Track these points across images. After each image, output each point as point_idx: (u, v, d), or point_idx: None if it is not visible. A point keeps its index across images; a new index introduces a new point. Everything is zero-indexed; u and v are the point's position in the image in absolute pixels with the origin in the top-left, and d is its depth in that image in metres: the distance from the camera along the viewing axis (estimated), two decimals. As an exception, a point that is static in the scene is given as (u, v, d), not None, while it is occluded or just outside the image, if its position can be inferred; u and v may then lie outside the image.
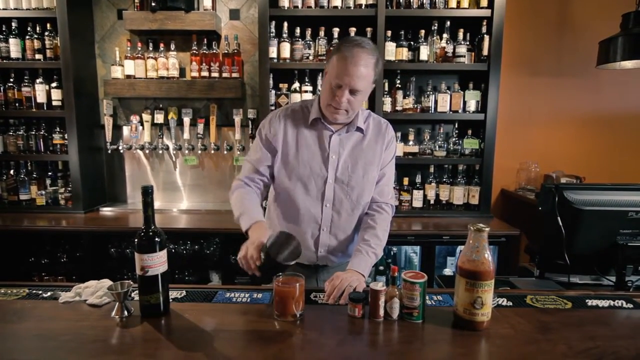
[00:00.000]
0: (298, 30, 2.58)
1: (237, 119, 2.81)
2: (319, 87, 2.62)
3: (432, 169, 2.72)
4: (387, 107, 2.63)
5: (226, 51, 2.74)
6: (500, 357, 0.96)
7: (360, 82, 1.29)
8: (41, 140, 2.72)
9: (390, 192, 1.54)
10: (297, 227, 1.46)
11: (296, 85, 2.64)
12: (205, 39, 2.77)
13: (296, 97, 2.62)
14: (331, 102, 1.34)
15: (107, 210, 2.83)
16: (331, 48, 2.57)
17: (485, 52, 2.55)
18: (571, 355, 0.95)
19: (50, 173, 2.80)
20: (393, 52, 2.57)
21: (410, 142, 2.70)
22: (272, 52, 2.57)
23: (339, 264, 1.53)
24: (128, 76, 2.73)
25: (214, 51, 2.75)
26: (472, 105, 2.64)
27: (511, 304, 1.23)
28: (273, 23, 2.58)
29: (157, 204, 2.80)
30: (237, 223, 1.37)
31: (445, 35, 2.58)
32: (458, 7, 2.54)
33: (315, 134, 1.44)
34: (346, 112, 1.35)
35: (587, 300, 1.26)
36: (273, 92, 2.63)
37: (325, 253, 1.48)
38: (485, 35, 2.54)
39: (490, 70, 2.53)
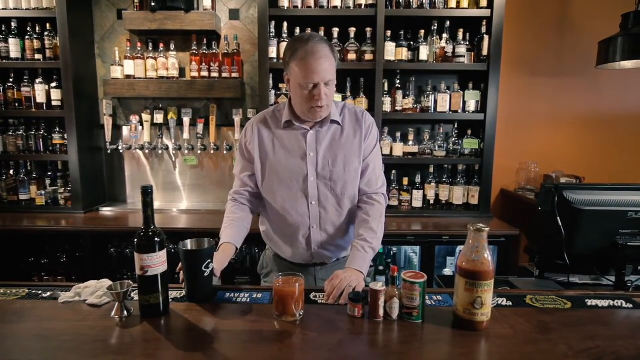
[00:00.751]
0: (298, 30, 2.58)
1: (237, 119, 2.81)
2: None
3: (431, 169, 2.73)
4: (387, 107, 2.63)
5: (226, 51, 2.74)
6: (500, 357, 0.96)
7: (328, 73, 1.30)
8: (41, 140, 2.72)
9: (380, 182, 1.49)
10: (287, 229, 1.47)
11: (296, 85, 2.64)
12: (205, 39, 2.76)
13: (296, 97, 2.62)
14: (312, 104, 1.32)
15: (106, 210, 2.83)
16: (338, 50, 2.54)
17: (485, 52, 2.55)
18: (571, 355, 0.95)
19: (50, 173, 2.80)
20: (393, 52, 2.57)
21: (410, 142, 2.70)
22: (272, 52, 2.57)
23: (336, 261, 1.53)
24: (128, 76, 2.73)
25: (214, 51, 2.75)
26: (471, 105, 2.64)
27: (511, 304, 1.23)
28: (273, 23, 2.58)
29: (156, 204, 2.80)
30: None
31: (445, 35, 2.58)
32: (458, 7, 2.54)
33: (290, 134, 1.44)
34: (327, 106, 1.36)
35: (586, 300, 1.26)
36: (273, 92, 2.64)
37: (319, 250, 1.48)
38: (485, 35, 2.54)
39: (490, 70, 2.53)
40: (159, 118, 2.82)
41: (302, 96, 1.33)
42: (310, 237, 1.46)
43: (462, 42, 2.57)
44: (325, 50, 1.29)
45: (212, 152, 2.90)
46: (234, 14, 2.85)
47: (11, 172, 2.74)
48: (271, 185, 1.44)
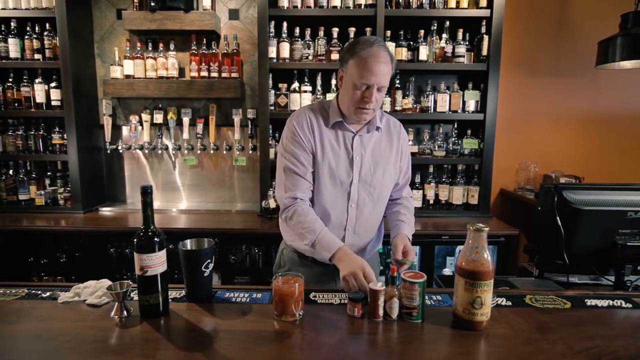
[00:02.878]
0: (297, 30, 2.58)
1: (237, 119, 2.81)
2: (319, 87, 2.62)
3: (431, 169, 2.73)
4: (387, 107, 2.63)
5: (225, 51, 2.74)
6: (500, 357, 0.96)
7: (385, 78, 1.32)
8: (40, 140, 2.72)
9: (410, 190, 1.65)
10: None
11: (295, 85, 2.64)
12: (204, 39, 2.76)
13: (295, 97, 2.62)
14: (360, 105, 1.34)
15: (106, 210, 2.83)
16: (337, 50, 2.57)
17: (484, 52, 2.55)
18: (570, 354, 0.95)
19: (49, 173, 2.79)
20: (392, 52, 2.56)
21: (410, 142, 2.70)
22: (272, 52, 2.57)
23: None
24: (127, 76, 2.72)
25: (213, 51, 2.75)
26: (471, 105, 2.64)
27: (510, 303, 1.24)
28: (272, 23, 2.58)
29: (156, 204, 2.80)
30: (309, 248, 1.37)
31: (444, 35, 2.58)
32: (457, 7, 2.54)
33: (337, 135, 1.44)
34: (373, 110, 1.38)
35: (586, 300, 1.26)
36: (272, 92, 2.63)
37: None
38: (484, 35, 2.54)
39: (489, 70, 2.53)
40: (158, 118, 2.82)
41: (353, 96, 1.34)
42: (344, 239, 1.46)
43: (462, 42, 2.57)
44: (387, 57, 1.32)
45: (211, 152, 2.90)
46: (233, 14, 2.85)
47: (10, 172, 2.74)
48: (316, 183, 1.43)
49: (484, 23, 2.55)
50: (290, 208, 1.40)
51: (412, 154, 2.69)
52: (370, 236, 1.52)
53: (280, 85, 2.63)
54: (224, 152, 2.89)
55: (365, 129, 1.45)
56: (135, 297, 1.15)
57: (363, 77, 1.29)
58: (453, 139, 2.70)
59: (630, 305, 1.24)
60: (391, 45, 2.55)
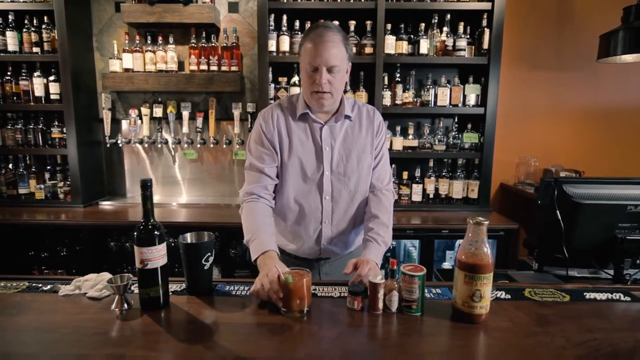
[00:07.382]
0: (297, 23, 2.57)
1: (236, 113, 2.80)
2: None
3: (431, 163, 2.72)
4: (387, 101, 2.63)
5: (225, 44, 2.72)
6: (499, 350, 0.97)
7: (333, 58, 1.28)
8: (39, 134, 2.71)
9: (388, 177, 1.51)
10: (299, 223, 1.46)
11: (295, 78, 2.63)
12: (203, 32, 2.74)
13: (295, 91, 2.61)
14: (313, 88, 1.32)
15: (106, 204, 2.83)
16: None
17: (485, 45, 2.54)
18: (569, 347, 0.96)
19: (49, 167, 2.79)
20: (393, 45, 2.55)
21: (410, 136, 2.70)
22: (271, 46, 2.56)
23: (341, 256, 1.53)
24: (126, 70, 2.71)
25: (213, 44, 2.73)
26: (471, 99, 2.63)
27: (510, 297, 1.24)
28: (272, 16, 2.56)
29: (156, 198, 2.81)
30: (246, 245, 1.34)
31: (445, 29, 2.56)
32: (458, 0, 2.53)
33: (305, 127, 1.43)
34: (330, 95, 1.33)
35: (585, 294, 1.27)
36: (272, 85, 2.63)
37: (328, 245, 1.48)
38: (485, 29, 2.53)
39: (490, 64, 2.52)
40: (158, 112, 2.81)
41: (306, 80, 1.34)
42: (321, 233, 1.46)
43: (463, 36, 2.55)
44: (334, 37, 1.29)
45: (211, 146, 2.89)
46: (232, 7, 2.83)
47: (10, 166, 2.74)
48: (286, 178, 1.43)
49: (485, 16, 2.53)
50: (243, 204, 1.42)
51: (412, 148, 2.70)
52: (352, 228, 1.50)
53: (280, 78, 2.62)
54: (224, 146, 2.88)
55: (334, 118, 1.42)
56: (136, 290, 1.16)
57: (311, 60, 1.29)
58: (453, 133, 2.69)
59: (628, 299, 1.24)
60: (391, 39, 2.54)
